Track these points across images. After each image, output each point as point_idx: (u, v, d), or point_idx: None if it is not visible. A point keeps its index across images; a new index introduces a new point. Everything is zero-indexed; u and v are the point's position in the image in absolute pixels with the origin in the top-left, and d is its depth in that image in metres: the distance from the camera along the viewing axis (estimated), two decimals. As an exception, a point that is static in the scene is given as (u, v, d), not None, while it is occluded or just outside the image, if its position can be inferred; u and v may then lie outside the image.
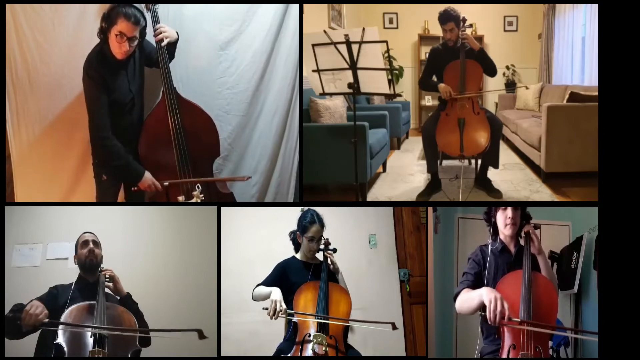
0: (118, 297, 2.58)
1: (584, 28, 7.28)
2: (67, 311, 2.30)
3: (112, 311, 2.41)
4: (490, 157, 4.39)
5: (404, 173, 5.53)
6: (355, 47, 3.35)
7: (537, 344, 2.27)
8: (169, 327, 2.44)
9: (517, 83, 8.97)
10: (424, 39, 9.51)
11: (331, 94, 3.79)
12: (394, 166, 5.89)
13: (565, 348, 2.98)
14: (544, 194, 4.60)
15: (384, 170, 5.60)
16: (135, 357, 2.36)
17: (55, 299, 2.44)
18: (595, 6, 6.17)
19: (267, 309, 2.56)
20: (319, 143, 4.25)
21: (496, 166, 4.49)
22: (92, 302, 2.38)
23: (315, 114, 4.78)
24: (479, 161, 4.63)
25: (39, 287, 2.51)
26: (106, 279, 2.52)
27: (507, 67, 9.41)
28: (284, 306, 2.58)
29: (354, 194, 4.36)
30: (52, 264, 3.08)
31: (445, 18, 4.22)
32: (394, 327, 2.57)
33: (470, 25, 4.41)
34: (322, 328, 2.58)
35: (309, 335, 2.56)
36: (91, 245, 2.58)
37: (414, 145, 7.44)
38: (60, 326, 2.22)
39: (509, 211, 2.54)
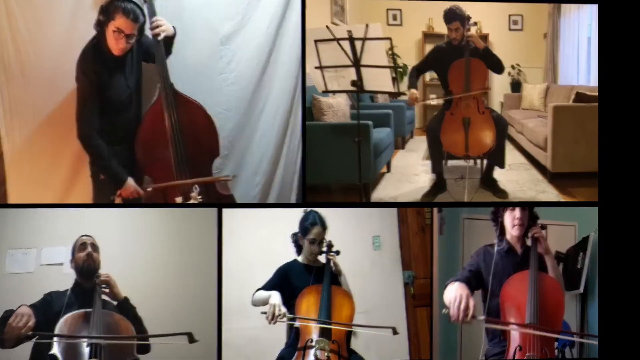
0: (115, 303, 2.53)
1: (590, 28, 7.22)
2: (62, 320, 2.31)
3: (109, 319, 2.39)
4: (496, 157, 4.40)
5: (409, 173, 5.43)
6: (358, 44, 3.36)
7: (543, 346, 2.31)
8: (167, 332, 2.38)
9: (523, 83, 9.00)
10: (428, 36, 9.48)
11: (334, 92, 3.81)
12: (398, 166, 5.80)
13: (571, 348, 3.00)
14: (551, 194, 4.55)
15: (388, 170, 5.51)
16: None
17: (49, 306, 2.42)
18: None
19: (265, 313, 2.53)
20: (321, 142, 4.19)
21: (502, 166, 4.48)
22: (88, 309, 2.35)
23: (318, 112, 4.72)
24: (485, 161, 4.60)
25: (33, 293, 2.47)
26: (103, 287, 2.46)
27: (513, 67, 9.38)
28: (283, 310, 2.57)
29: (357, 194, 4.31)
30: (47, 270, 2.90)
31: (451, 17, 4.27)
32: (395, 332, 2.56)
33: (475, 24, 4.48)
34: (324, 333, 2.55)
35: (311, 341, 2.55)
36: (89, 248, 2.57)
37: (419, 145, 7.39)
38: (56, 339, 2.21)
39: (517, 212, 2.55)
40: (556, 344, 2.54)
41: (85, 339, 2.22)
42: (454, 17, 4.27)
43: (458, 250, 3.48)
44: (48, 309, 2.39)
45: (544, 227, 2.59)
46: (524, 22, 9.60)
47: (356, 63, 3.44)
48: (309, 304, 2.68)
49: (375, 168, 4.46)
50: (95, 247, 2.59)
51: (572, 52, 7.98)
